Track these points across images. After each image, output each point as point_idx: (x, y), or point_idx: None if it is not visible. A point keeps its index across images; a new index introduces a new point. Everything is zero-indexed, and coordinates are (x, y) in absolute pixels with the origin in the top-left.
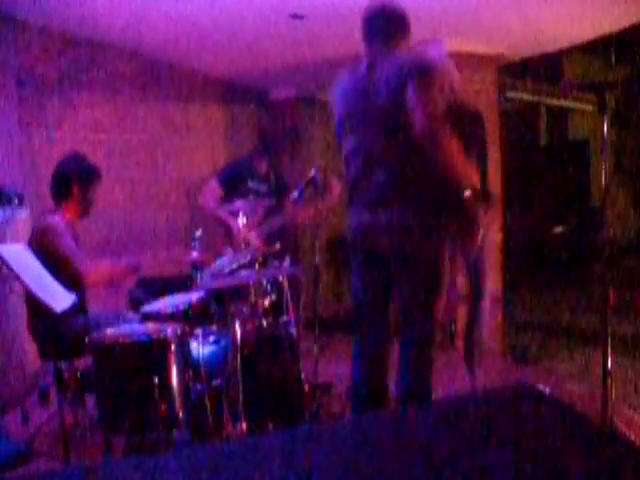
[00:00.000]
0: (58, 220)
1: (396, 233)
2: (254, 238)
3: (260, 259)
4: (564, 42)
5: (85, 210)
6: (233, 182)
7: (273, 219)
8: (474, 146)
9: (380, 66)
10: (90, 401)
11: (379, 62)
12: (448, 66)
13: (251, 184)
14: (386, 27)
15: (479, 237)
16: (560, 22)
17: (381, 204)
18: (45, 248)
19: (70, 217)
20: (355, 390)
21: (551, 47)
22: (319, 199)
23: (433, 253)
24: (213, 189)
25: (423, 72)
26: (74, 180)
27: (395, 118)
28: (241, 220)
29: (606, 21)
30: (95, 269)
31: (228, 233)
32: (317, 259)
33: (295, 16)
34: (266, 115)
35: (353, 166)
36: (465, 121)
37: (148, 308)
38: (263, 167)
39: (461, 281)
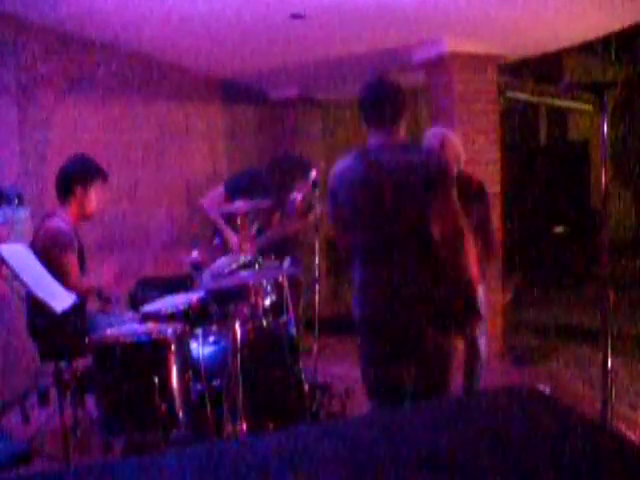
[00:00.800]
0: (66, 227)
1: (414, 327)
2: (250, 250)
3: (260, 260)
4: (564, 42)
5: (87, 211)
6: (238, 192)
7: (268, 234)
8: (479, 211)
9: (386, 158)
10: (90, 401)
11: (385, 153)
12: (455, 144)
13: (256, 197)
14: (388, 112)
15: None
16: (560, 22)
17: (402, 299)
18: (49, 256)
19: (73, 217)
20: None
21: (551, 47)
22: (317, 203)
23: (446, 350)
24: (218, 195)
25: (447, 183)
26: (76, 180)
27: (411, 218)
28: (238, 221)
29: (606, 21)
30: (84, 288)
31: (224, 244)
32: (317, 259)
33: (295, 16)
34: (266, 115)
35: (367, 259)
36: (471, 191)
37: (148, 308)
38: (270, 184)
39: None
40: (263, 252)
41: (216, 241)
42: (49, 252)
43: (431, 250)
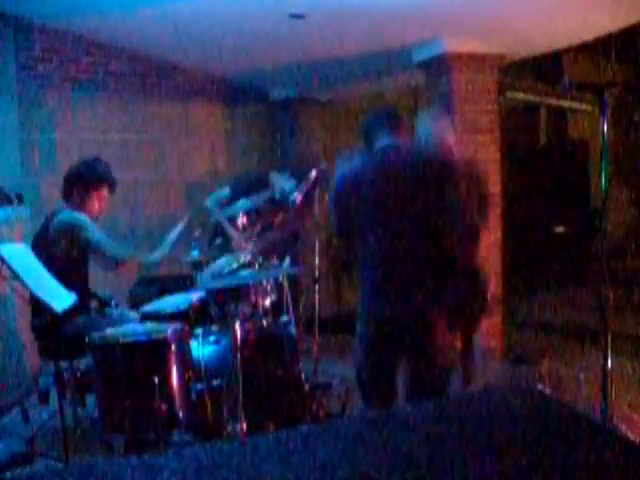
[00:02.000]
0: (79, 213)
1: (424, 321)
2: (251, 250)
3: (260, 260)
4: (564, 42)
5: (84, 213)
6: (243, 192)
7: (270, 235)
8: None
9: (395, 156)
10: (90, 401)
11: (393, 152)
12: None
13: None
14: (392, 122)
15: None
16: (560, 22)
17: (414, 294)
18: (71, 241)
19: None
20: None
21: (551, 47)
22: (318, 203)
23: (451, 346)
24: (222, 195)
25: (456, 177)
26: (74, 183)
27: (423, 214)
28: (240, 220)
29: (606, 21)
30: (128, 256)
31: (226, 242)
32: (317, 259)
33: (295, 16)
34: (266, 115)
35: (379, 256)
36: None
37: (148, 308)
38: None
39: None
40: (265, 252)
41: (218, 241)
42: (73, 238)
43: (443, 246)
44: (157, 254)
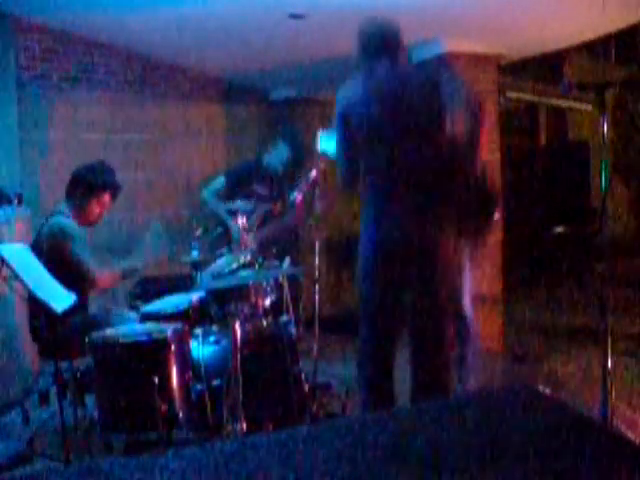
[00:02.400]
0: (70, 222)
1: (428, 242)
2: (250, 241)
3: (260, 260)
4: (564, 42)
5: (86, 218)
6: (239, 181)
7: (270, 226)
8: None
9: (399, 76)
10: (90, 401)
11: (394, 72)
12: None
13: (257, 187)
14: (392, 42)
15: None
16: (560, 22)
17: (420, 211)
18: (57, 250)
19: (74, 219)
20: (369, 390)
21: (551, 47)
22: (317, 202)
23: (457, 261)
24: (218, 185)
25: (461, 89)
26: (78, 186)
27: (434, 126)
28: (240, 221)
29: (606, 21)
30: (103, 279)
31: (226, 233)
32: (317, 259)
33: (295, 16)
34: (266, 115)
35: (387, 173)
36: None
37: (148, 308)
38: (271, 172)
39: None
40: (265, 244)
41: (218, 230)
42: (56, 246)
43: (445, 155)
44: (136, 263)
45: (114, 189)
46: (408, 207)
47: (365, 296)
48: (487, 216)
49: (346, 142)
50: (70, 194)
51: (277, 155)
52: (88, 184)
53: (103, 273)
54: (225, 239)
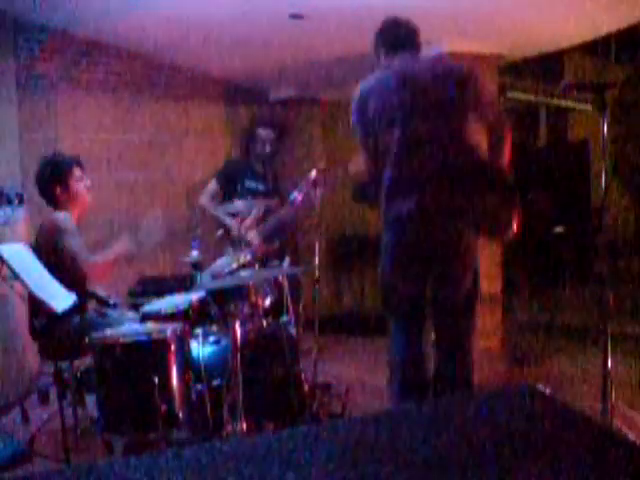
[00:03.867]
0: (66, 217)
1: (446, 222)
2: (253, 237)
3: (260, 259)
4: (564, 42)
5: (78, 204)
6: (230, 181)
7: (272, 219)
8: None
9: (415, 66)
10: (90, 401)
11: (413, 64)
12: None
13: (248, 183)
14: (414, 37)
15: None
16: (560, 22)
17: (437, 192)
18: (52, 245)
19: (72, 217)
20: (405, 382)
21: (551, 47)
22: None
23: (475, 245)
24: (212, 189)
25: (477, 82)
26: (50, 182)
27: (447, 112)
28: (241, 220)
29: (606, 21)
30: (98, 266)
31: (227, 233)
32: (317, 259)
33: (295, 16)
34: (266, 115)
35: (401, 156)
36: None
37: (148, 308)
38: (259, 166)
39: None
40: (269, 238)
41: (219, 233)
42: (51, 240)
43: (465, 147)
44: (128, 245)
45: (75, 160)
46: (432, 201)
47: (390, 290)
48: (511, 213)
49: (364, 129)
50: (50, 196)
51: (261, 142)
52: (53, 174)
53: (97, 261)
54: (227, 239)
